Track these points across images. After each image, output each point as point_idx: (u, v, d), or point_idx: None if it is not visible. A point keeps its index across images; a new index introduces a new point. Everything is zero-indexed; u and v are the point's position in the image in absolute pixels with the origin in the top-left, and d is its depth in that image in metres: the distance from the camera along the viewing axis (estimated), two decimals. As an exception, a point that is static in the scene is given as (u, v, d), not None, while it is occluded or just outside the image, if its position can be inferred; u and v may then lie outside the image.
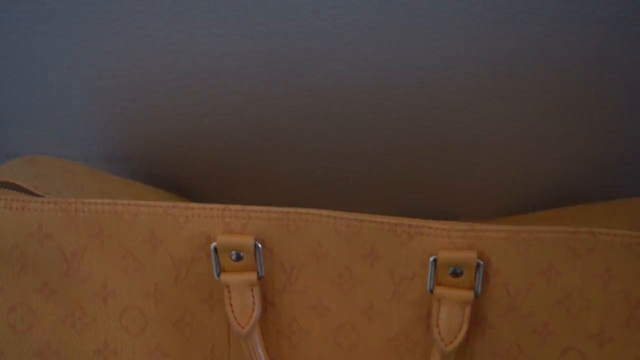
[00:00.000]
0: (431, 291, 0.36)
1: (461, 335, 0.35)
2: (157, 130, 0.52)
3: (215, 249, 0.37)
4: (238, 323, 0.37)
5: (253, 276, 0.37)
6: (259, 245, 0.37)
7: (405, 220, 0.36)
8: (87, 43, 0.48)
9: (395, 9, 0.44)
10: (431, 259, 0.36)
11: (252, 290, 0.37)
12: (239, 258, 0.37)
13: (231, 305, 0.37)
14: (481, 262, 0.35)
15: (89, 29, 0.47)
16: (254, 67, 0.47)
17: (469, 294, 0.35)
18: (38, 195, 0.39)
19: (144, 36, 0.47)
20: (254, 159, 0.53)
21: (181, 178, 0.54)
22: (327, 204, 0.55)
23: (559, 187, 0.52)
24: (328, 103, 0.49)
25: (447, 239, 0.36)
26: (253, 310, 0.37)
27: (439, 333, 0.36)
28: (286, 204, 0.55)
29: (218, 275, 0.37)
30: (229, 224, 0.37)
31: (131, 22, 0.46)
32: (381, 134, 0.50)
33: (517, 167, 0.51)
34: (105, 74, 0.49)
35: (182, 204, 0.37)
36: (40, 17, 0.47)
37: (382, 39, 0.46)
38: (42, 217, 0.38)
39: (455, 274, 0.36)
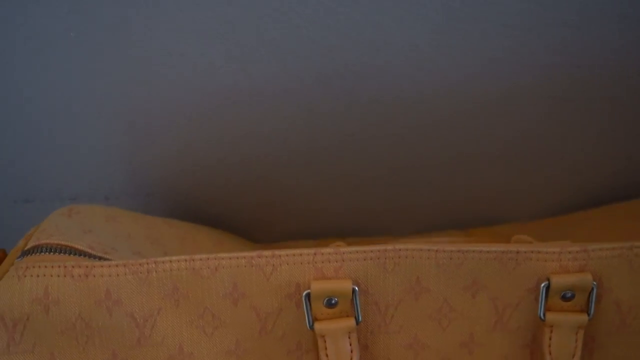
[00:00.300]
0: (542, 318, 0.34)
1: (576, 360, 0.34)
2: (187, 162, 0.48)
3: (308, 296, 0.34)
4: (338, 374, 0.34)
5: (351, 322, 0.34)
6: (356, 289, 0.34)
7: (513, 247, 0.34)
8: (109, 71, 0.44)
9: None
10: (543, 285, 0.34)
11: (349, 337, 0.34)
12: (333, 304, 0.34)
13: (327, 355, 0.34)
14: (595, 284, 0.34)
15: (112, 57, 0.43)
16: (300, 88, 0.44)
17: (583, 318, 0.34)
18: (97, 257, 0.35)
19: (175, 62, 0.43)
20: (292, 188, 0.49)
21: (211, 211, 0.51)
22: (369, 225, 0.52)
23: (584, 190, 0.52)
24: (376, 121, 0.46)
25: (558, 263, 0.34)
26: (351, 358, 0.34)
27: (552, 360, 0.34)
28: (322, 230, 0.52)
29: (311, 325, 0.34)
30: (320, 269, 0.34)
31: (160, 47, 0.42)
32: (424, 148, 0.48)
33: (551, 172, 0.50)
34: (130, 104, 0.45)
35: (268, 252, 0.34)
36: (61, 47, 0.42)
37: (433, 56, 0.43)
38: (109, 283, 0.33)
39: (566, 298, 0.34)
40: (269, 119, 0.46)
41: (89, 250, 0.35)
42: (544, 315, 0.34)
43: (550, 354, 0.34)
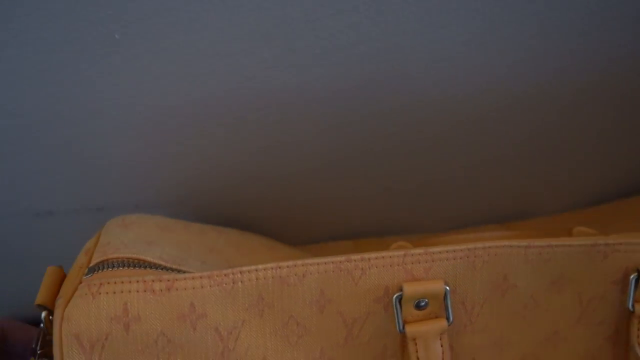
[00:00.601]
0: (632, 309, 0.34)
1: (664, 349, 0.34)
2: (220, 168, 0.46)
3: (399, 299, 0.33)
4: (429, 377, 0.33)
5: (442, 323, 0.33)
6: (448, 289, 0.33)
7: (601, 239, 0.34)
8: (141, 77, 0.41)
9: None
10: (632, 276, 0.34)
11: (440, 339, 0.33)
12: (422, 306, 0.33)
13: (418, 358, 0.33)
14: (682, 272, 0.34)
15: (140, 61, 0.40)
16: (339, 92, 0.42)
17: (671, 307, 0.34)
18: (172, 269, 0.33)
19: (206, 67, 0.41)
20: (328, 190, 0.48)
21: (243, 216, 0.49)
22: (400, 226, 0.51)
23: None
24: (412, 123, 0.45)
25: (646, 253, 0.34)
26: (442, 359, 0.34)
27: (641, 351, 0.34)
28: (358, 230, 0.51)
29: (402, 328, 0.33)
30: (410, 271, 0.33)
31: (187, 53, 0.40)
32: (457, 148, 0.48)
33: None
34: (161, 110, 0.42)
35: (357, 256, 0.33)
36: (94, 52, 0.39)
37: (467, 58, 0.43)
38: (193, 296, 0.32)
39: (653, 287, 0.34)
40: (306, 123, 0.45)
41: (162, 263, 0.33)
42: (633, 306, 0.34)
43: (639, 345, 0.34)
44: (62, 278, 0.34)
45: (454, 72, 0.43)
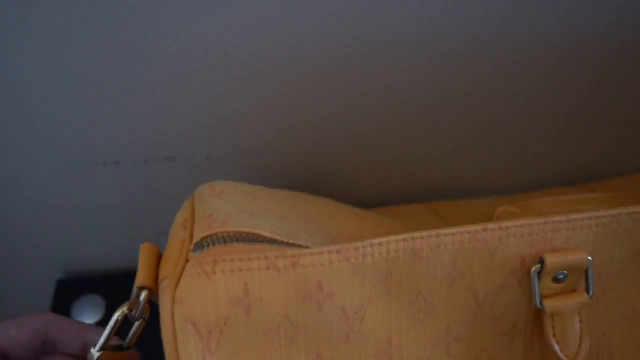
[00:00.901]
0: None
1: None
2: (296, 120, 0.42)
3: (538, 272, 0.30)
4: (566, 356, 0.31)
5: (583, 298, 0.31)
6: (591, 260, 0.30)
7: None
8: (215, 24, 0.37)
9: None
10: None
11: (579, 315, 0.31)
12: (561, 279, 0.30)
13: (554, 335, 0.31)
14: None
15: (208, 10, 0.37)
16: (409, 42, 0.39)
17: None
18: (291, 245, 0.30)
19: (280, 14, 0.37)
20: (402, 145, 0.45)
21: (316, 171, 0.46)
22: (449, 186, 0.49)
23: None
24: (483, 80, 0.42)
25: None
26: (581, 337, 0.31)
27: None
28: (428, 191, 0.48)
29: (540, 303, 0.30)
30: (550, 240, 0.30)
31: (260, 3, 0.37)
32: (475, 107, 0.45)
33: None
34: (235, 58, 0.39)
35: (494, 225, 0.30)
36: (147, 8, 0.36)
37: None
38: (321, 273, 0.28)
39: None
40: (385, 73, 0.42)
41: (278, 238, 0.30)
42: None
43: None
44: (158, 256, 0.31)
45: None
